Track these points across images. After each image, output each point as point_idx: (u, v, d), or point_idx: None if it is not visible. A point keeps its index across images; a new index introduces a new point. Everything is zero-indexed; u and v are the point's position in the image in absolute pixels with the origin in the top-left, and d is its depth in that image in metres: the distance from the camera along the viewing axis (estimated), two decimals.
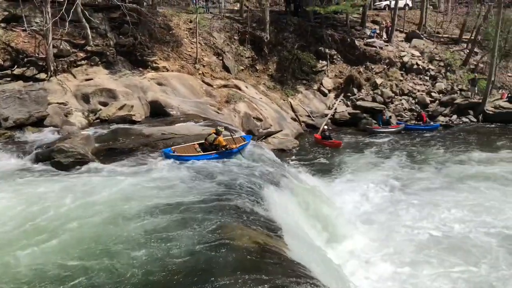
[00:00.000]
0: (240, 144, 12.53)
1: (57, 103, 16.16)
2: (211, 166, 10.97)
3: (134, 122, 16.03)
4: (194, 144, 12.31)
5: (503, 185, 15.22)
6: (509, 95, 26.20)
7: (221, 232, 7.02)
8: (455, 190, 14.92)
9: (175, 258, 6.34)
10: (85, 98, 17.13)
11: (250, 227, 7.42)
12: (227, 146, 11.90)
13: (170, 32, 23.26)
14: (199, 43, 23.24)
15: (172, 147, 11.84)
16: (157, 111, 17.56)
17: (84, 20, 18.78)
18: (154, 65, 20.93)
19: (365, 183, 15.78)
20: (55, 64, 17.83)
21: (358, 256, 10.73)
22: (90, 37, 19.23)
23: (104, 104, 17.15)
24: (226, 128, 13.37)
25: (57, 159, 10.78)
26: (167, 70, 21.04)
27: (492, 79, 25.43)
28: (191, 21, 24.75)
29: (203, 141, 12.16)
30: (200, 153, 11.82)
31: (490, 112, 24.78)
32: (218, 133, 11.95)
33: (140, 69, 20.53)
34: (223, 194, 8.90)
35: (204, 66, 22.94)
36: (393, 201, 14.32)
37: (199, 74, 22.23)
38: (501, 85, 28.26)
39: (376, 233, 12.03)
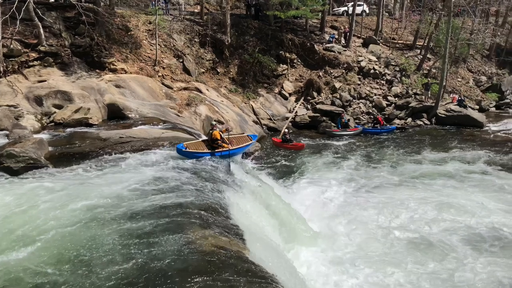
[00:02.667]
0: (238, 147, 12.59)
1: (7, 105, 15.43)
2: (172, 168, 10.79)
3: (90, 126, 15.55)
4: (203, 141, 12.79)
5: (460, 182, 16.09)
6: (459, 98, 27.46)
7: (181, 236, 6.90)
8: (412, 189, 15.54)
9: (133, 263, 6.17)
10: (38, 101, 16.44)
11: (210, 230, 7.33)
12: (219, 142, 12.02)
13: (129, 33, 22.78)
14: (158, 45, 22.89)
15: (185, 143, 12.11)
16: (115, 114, 17.13)
17: (36, 18, 18.06)
18: (112, 66, 20.38)
19: (325, 184, 16.11)
20: (4, 64, 17.03)
21: (318, 258, 10.85)
22: (43, 36, 18.49)
23: (59, 107, 16.53)
24: (226, 129, 13.53)
25: (7, 164, 10.26)
26: (126, 72, 20.56)
27: (444, 83, 26.59)
28: (150, 23, 24.34)
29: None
30: (204, 151, 12.07)
31: (442, 115, 25.87)
32: (212, 127, 12.16)
33: (97, 70, 19.92)
34: (182, 197, 8.76)
35: (164, 68, 22.60)
36: (353, 200, 14.67)
37: (159, 76, 21.87)
38: (452, 89, 29.64)
39: (336, 233, 12.22)
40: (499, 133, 23.78)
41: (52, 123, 15.75)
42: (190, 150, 12.00)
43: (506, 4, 34.90)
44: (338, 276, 10.10)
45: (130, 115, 16.96)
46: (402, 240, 11.71)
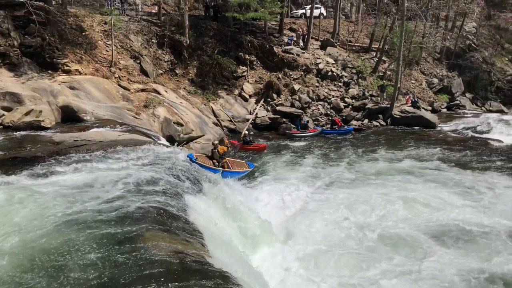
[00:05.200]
0: (240, 170, 13.61)
1: None
2: (130, 173, 10.49)
3: (43, 129, 14.87)
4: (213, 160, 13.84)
5: (417, 177, 16.78)
6: (413, 100, 28.48)
7: (139, 242, 6.70)
8: (372, 185, 16.05)
9: (88, 270, 5.93)
10: None
11: (169, 235, 7.18)
12: (223, 158, 13.40)
13: (83, 33, 22.03)
14: (114, 45, 22.30)
15: (194, 154, 13.09)
16: (70, 117, 16.50)
17: None
18: (66, 67, 19.64)
19: (287, 183, 16.32)
20: None
21: (280, 256, 10.88)
22: None
23: (8, 109, 15.71)
24: (227, 148, 14.57)
25: None
26: (80, 73, 19.86)
27: (398, 85, 27.49)
28: (106, 23, 23.67)
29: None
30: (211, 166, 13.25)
31: (397, 116, 26.73)
32: (215, 146, 13.51)
33: (50, 71, 19.12)
34: (142, 201, 8.53)
35: (120, 69, 22.03)
36: (315, 198, 14.94)
37: (115, 77, 21.30)
38: (406, 91, 30.69)
39: (298, 231, 12.32)
40: (450, 133, 24.84)
41: (1, 126, 14.96)
42: (200, 162, 12.96)
43: (455, 9, 36.55)
44: (301, 274, 10.16)
45: (85, 118, 16.39)
46: (366, 235, 11.96)
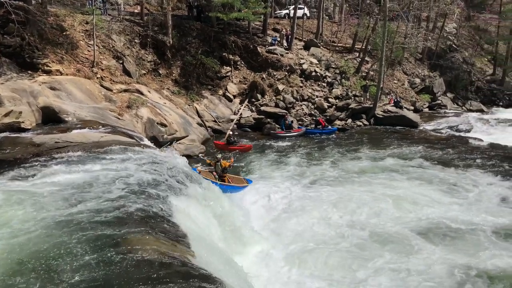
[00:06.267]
0: (240, 185, 13.72)
1: None
2: (114, 175, 10.32)
3: (23, 130, 14.53)
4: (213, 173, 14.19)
5: (402, 175, 17.10)
6: (396, 100, 28.81)
7: (122, 244, 6.59)
8: (357, 183, 16.24)
9: (70, 274, 5.80)
10: None
11: (154, 236, 7.08)
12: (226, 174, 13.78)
13: (64, 33, 21.66)
14: (96, 45, 21.99)
15: (198, 168, 13.63)
16: (51, 118, 16.16)
17: None
18: (46, 68, 19.26)
19: (272, 183, 16.38)
20: None
21: (268, 259, 10.84)
22: None
23: None
24: (226, 168, 14.55)
25: None
26: (61, 74, 19.51)
27: (381, 85, 27.77)
28: (87, 23, 23.31)
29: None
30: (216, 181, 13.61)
31: (380, 116, 27.01)
32: (218, 159, 13.72)
33: (30, 72, 18.74)
34: (125, 203, 8.39)
35: (102, 70, 21.73)
36: (301, 196, 15.03)
37: (97, 78, 20.98)
38: (388, 91, 31.03)
39: (284, 230, 12.33)
40: (432, 132, 25.24)
41: None
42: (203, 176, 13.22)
43: (436, 10, 37.12)
44: (288, 272, 10.16)
45: (67, 119, 16.08)
46: (354, 233, 12.06)
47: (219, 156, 14.54)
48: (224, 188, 12.88)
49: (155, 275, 5.88)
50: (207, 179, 12.94)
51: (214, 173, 13.79)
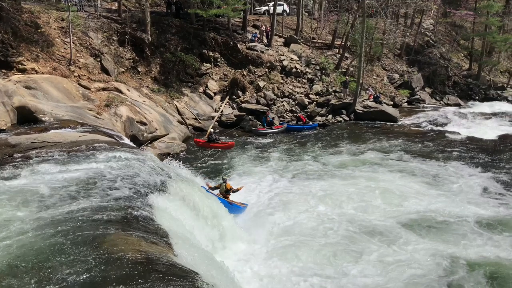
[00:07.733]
0: (237, 203, 13.62)
1: None
2: (90, 174, 10.11)
3: None
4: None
5: (384, 168, 17.36)
6: (375, 95, 29.10)
7: (101, 244, 6.45)
8: (339, 177, 16.38)
9: (47, 275, 5.65)
10: None
11: (134, 237, 6.96)
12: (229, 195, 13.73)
13: (39, 30, 21.12)
14: (73, 43, 21.53)
15: (208, 185, 13.93)
16: (27, 118, 15.77)
17: None
18: (21, 66, 18.77)
19: (256, 179, 16.41)
20: None
21: (251, 255, 10.81)
22: None
23: None
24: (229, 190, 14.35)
25: None
26: (37, 72, 19.03)
27: (361, 81, 28.00)
28: (63, 19, 22.80)
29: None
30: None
31: (360, 111, 27.25)
32: (224, 181, 13.96)
33: (4, 71, 18.21)
34: (104, 203, 8.24)
35: (80, 68, 21.29)
36: (284, 191, 15.08)
37: (75, 76, 20.55)
38: (368, 87, 31.30)
39: (270, 225, 12.32)
40: (411, 126, 25.59)
41: None
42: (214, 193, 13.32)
43: (413, 7, 37.62)
44: (274, 268, 10.14)
45: (43, 119, 15.73)
46: (341, 226, 12.17)
47: (226, 178, 14.80)
48: (230, 206, 12.98)
49: (136, 274, 5.78)
50: (214, 194, 13.13)
51: (219, 194, 13.94)
